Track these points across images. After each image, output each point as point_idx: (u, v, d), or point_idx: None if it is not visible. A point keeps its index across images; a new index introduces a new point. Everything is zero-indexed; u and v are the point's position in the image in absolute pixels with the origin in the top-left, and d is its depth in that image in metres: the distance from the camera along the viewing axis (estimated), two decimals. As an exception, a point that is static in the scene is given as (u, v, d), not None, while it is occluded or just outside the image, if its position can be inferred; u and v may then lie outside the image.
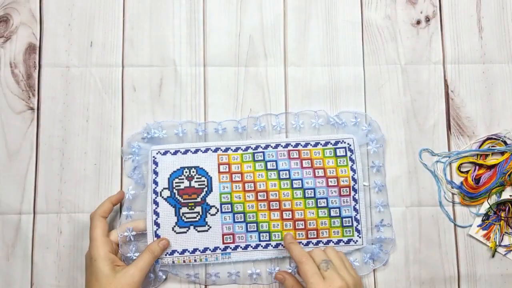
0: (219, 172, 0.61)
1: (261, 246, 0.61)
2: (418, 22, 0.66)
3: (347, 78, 0.65)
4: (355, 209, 0.61)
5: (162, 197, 0.60)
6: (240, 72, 0.65)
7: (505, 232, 0.61)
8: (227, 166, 0.62)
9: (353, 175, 0.62)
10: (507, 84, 0.65)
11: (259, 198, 0.61)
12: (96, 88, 0.64)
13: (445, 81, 0.65)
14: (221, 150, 0.62)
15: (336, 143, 0.62)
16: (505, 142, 0.63)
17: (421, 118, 0.64)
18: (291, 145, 0.62)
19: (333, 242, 0.61)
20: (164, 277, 0.60)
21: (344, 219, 0.61)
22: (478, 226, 0.62)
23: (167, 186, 0.61)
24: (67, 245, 0.61)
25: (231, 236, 0.61)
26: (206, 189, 0.61)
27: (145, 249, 0.57)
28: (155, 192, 0.61)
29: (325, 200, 0.61)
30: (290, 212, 0.61)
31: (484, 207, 0.62)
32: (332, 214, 0.61)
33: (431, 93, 0.65)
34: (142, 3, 0.66)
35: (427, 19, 0.66)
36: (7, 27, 0.65)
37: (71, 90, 0.64)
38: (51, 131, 0.63)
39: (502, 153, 0.63)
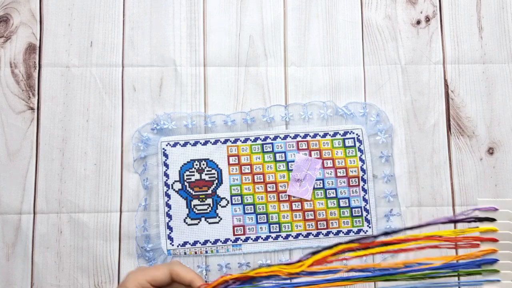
0: (228, 164, 0.62)
1: (271, 237, 0.61)
2: (418, 22, 0.66)
3: (347, 78, 0.65)
4: (364, 199, 0.62)
5: (174, 189, 0.62)
6: (240, 72, 0.65)
7: None
8: (237, 158, 0.62)
9: (362, 165, 0.62)
10: (507, 84, 0.65)
11: (269, 189, 0.62)
12: (96, 88, 0.64)
13: (445, 81, 0.65)
14: (230, 141, 0.62)
15: (345, 133, 0.63)
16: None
17: (421, 118, 0.64)
18: (300, 136, 0.63)
19: (343, 232, 0.61)
20: None
21: (353, 209, 0.62)
22: None
23: (178, 179, 0.62)
24: (67, 245, 0.61)
25: (242, 227, 0.61)
26: (216, 181, 0.62)
27: None
28: (166, 184, 0.61)
29: (334, 190, 0.62)
30: (299, 203, 0.62)
31: None
32: (342, 204, 0.62)
33: (431, 93, 0.65)
34: (142, 3, 0.66)
35: (427, 19, 0.66)
36: (7, 27, 0.65)
37: (71, 90, 0.64)
38: (51, 131, 0.63)
39: None
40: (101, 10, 0.65)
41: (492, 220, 0.41)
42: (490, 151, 0.64)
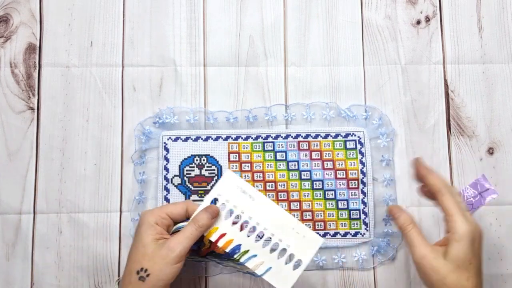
0: (229, 161, 0.62)
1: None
2: (418, 22, 0.66)
3: (347, 78, 0.65)
4: (363, 202, 0.62)
5: (173, 184, 0.62)
6: (240, 72, 0.65)
7: None
8: (237, 155, 0.62)
9: (362, 168, 0.62)
10: (507, 84, 0.65)
11: (268, 188, 0.62)
12: (96, 88, 0.64)
13: (445, 81, 0.65)
14: (232, 138, 0.62)
15: (347, 135, 0.63)
16: None
17: (421, 118, 0.64)
18: (301, 136, 0.63)
19: (340, 234, 0.61)
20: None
21: (351, 212, 0.62)
22: None
23: (178, 174, 0.62)
24: (67, 245, 0.61)
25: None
26: (216, 177, 0.62)
27: (190, 220, 0.51)
28: (166, 178, 0.61)
29: (333, 192, 0.62)
30: (298, 203, 0.62)
31: None
32: (340, 206, 0.62)
33: (431, 93, 0.65)
34: (142, 3, 0.66)
35: (427, 19, 0.66)
36: (7, 27, 0.65)
37: (71, 90, 0.64)
38: (51, 131, 0.63)
39: None
40: (101, 10, 0.65)
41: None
42: (490, 151, 0.64)
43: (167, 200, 0.61)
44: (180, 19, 0.65)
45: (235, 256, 0.52)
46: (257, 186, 0.62)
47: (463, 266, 0.46)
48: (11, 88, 0.64)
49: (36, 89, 0.64)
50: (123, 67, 0.65)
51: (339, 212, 0.62)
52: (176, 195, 0.61)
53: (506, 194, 0.63)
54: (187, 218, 0.53)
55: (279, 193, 0.62)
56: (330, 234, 0.61)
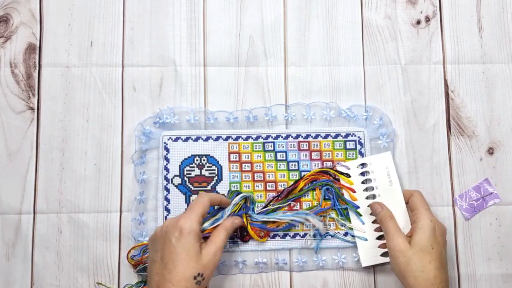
0: (229, 161, 0.62)
1: (269, 236, 0.61)
2: (418, 22, 0.66)
3: (347, 78, 0.65)
4: None
5: (173, 184, 0.62)
6: (240, 72, 0.65)
7: None
8: (238, 155, 0.62)
9: None
10: (507, 84, 0.65)
11: (268, 188, 0.62)
12: (96, 88, 0.64)
13: (445, 81, 0.65)
14: (232, 138, 0.62)
15: (347, 135, 0.63)
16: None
17: (421, 118, 0.64)
18: (302, 136, 0.63)
19: (340, 234, 0.61)
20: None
21: None
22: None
23: (178, 174, 0.62)
24: (67, 245, 0.61)
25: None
26: (216, 178, 0.62)
27: (219, 227, 0.55)
28: (166, 178, 0.61)
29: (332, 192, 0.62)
30: (298, 203, 0.62)
31: None
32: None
33: (431, 93, 0.65)
34: (142, 3, 0.66)
35: (427, 19, 0.66)
36: (7, 27, 0.65)
37: (71, 90, 0.64)
38: (51, 131, 0.63)
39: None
40: (101, 10, 0.65)
41: (348, 175, 0.61)
42: (490, 151, 0.64)
43: (167, 200, 0.61)
44: (180, 19, 0.65)
45: None
46: (257, 186, 0.62)
47: (425, 250, 0.53)
48: (11, 88, 0.64)
49: (36, 89, 0.64)
50: (123, 67, 0.65)
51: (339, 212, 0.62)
52: (176, 195, 0.61)
53: (506, 194, 0.63)
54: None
55: (279, 193, 0.62)
56: (330, 234, 0.61)
